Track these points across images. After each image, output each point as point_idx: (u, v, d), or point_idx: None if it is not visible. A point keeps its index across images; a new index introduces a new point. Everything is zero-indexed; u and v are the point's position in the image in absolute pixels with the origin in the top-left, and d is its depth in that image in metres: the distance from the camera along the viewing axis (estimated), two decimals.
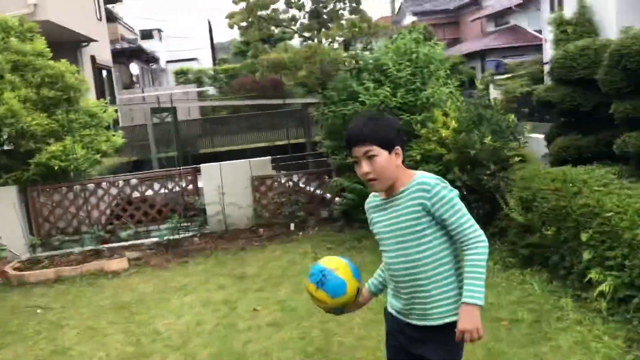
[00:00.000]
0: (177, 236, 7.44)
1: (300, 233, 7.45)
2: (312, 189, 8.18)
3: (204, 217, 7.74)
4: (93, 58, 17.37)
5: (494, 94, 11.95)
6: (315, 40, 6.84)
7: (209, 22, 36.32)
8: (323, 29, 7.17)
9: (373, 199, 2.30)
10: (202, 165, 7.89)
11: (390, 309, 2.35)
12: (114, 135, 8.26)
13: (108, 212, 7.83)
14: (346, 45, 7.36)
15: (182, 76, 26.96)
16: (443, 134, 6.21)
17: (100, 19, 18.57)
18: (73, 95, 8.05)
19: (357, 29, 6.78)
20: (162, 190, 7.84)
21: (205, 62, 33.91)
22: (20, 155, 7.48)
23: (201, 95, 24.89)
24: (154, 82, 30.43)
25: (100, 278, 6.51)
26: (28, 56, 7.59)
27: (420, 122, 6.51)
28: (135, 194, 7.82)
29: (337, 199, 7.75)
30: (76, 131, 7.71)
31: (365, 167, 2.11)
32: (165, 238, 7.34)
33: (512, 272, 5.27)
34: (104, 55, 18.94)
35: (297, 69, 6.97)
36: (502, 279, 5.15)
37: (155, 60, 29.85)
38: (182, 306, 5.32)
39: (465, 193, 6.41)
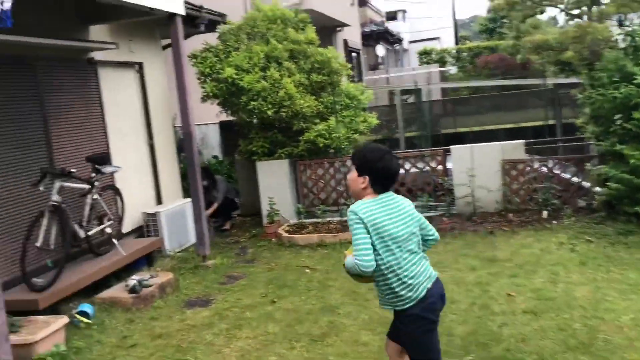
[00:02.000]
0: (426, 214, 7.73)
1: (554, 222, 7.12)
2: (568, 175, 7.72)
3: (452, 198, 7.88)
4: (345, 42, 18.59)
5: None
6: (585, 18, 6.35)
7: (453, 1, 35.86)
8: (594, 6, 6.59)
9: None
10: (452, 147, 8.01)
11: None
12: (370, 116, 8.85)
13: None
14: (620, 22, 6.69)
15: (425, 56, 27.26)
16: None
17: (352, 4, 19.72)
18: (336, 79, 8.82)
19: (637, 3, 6.07)
20: (412, 170, 8.17)
21: (446, 41, 33.73)
22: (292, 133, 8.49)
23: (444, 76, 24.87)
24: (396, 63, 31.34)
25: None
26: (302, 44, 8.52)
27: None
28: None
29: (597, 188, 7.19)
30: (339, 112, 8.46)
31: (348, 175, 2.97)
32: None
33: None
34: (355, 39, 20.12)
35: (563, 50, 6.57)
36: None
37: (399, 41, 30.66)
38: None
39: None
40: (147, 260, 6.81)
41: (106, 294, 5.70)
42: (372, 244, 2.68)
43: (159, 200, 8.02)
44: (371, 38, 25.20)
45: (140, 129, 7.83)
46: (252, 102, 8.01)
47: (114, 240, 6.39)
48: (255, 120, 8.61)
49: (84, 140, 6.66)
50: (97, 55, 6.92)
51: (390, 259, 2.72)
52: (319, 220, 8.15)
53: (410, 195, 8.18)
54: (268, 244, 7.71)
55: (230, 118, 9.20)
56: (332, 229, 7.72)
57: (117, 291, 5.72)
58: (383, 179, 2.78)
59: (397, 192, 8.06)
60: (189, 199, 7.69)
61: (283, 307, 5.34)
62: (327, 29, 16.55)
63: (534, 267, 5.67)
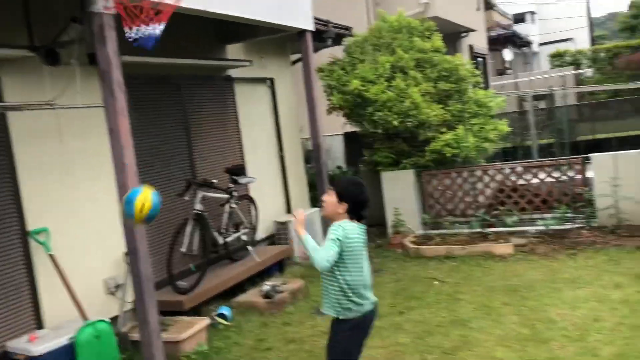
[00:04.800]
0: (563, 227, 7.30)
1: None
2: None
3: (592, 210, 7.35)
4: (471, 47, 18.09)
5: None
6: None
7: None
8: None
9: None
10: (592, 155, 7.48)
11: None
12: (500, 123, 8.52)
13: (492, 197, 8.17)
14: None
15: (558, 59, 25.74)
16: None
17: (478, 9, 19.16)
18: (463, 87, 8.62)
19: None
20: (548, 179, 7.74)
21: (580, 42, 31.61)
22: (418, 143, 8.42)
23: (578, 79, 23.31)
24: (525, 67, 29.92)
25: (487, 260, 6.88)
26: (428, 53, 8.45)
27: None
28: (520, 182, 7.93)
29: None
30: (467, 120, 8.25)
31: (324, 196, 3.30)
32: (551, 227, 7.28)
33: None
34: (481, 44, 19.50)
35: None
36: None
37: (528, 44, 29.28)
38: (576, 299, 5.23)
39: None
40: (278, 267, 7.10)
41: (242, 298, 6.01)
42: (340, 256, 3.10)
43: (288, 210, 8.32)
44: (498, 42, 24.31)
45: (271, 141, 8.19)
46: (378, 113, 8.06)
47: (249, 247, 6.74)
48: (380, 131, 8.65)
49: (222, 152, 7.11)
50: (233, 73, 7.38)
51: (354, 273, 3.14)
52: (446, 231, 7.98)
53: (545, 206, 7.75)
54: (393, 255, 7.68)
55: (355, 129, 9.33)
56: (460, 241, 7.53)
57: (252, 296, 6.02)
58: (360, 210, 3.22)
59: (530, 203, 7.76)
60: (316, 209, 7.91)
61: (412, 318, 5.29)
62: (452, 35, 16.23)
63: None
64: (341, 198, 3.19)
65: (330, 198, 3.23)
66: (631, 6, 21.96)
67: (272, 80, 8.24)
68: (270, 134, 8.20)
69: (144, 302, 4.20)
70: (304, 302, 6.05)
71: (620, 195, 7.07)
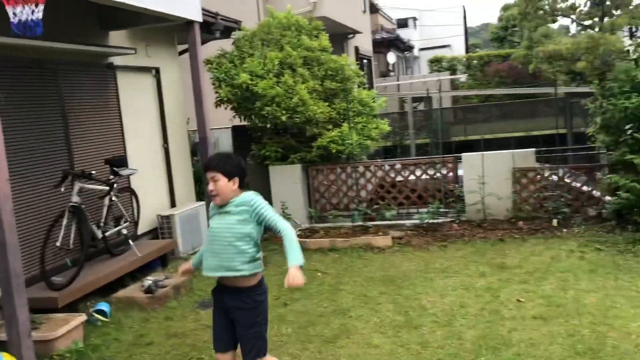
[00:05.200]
0: (436, 220, 7.83)
1: (564, 230, 7.19)
2: (578, 184, 7.78)
3: (462, 205, 7.95)
4: (357, 48, 18.70)
5: None
6: (597, 29, 6.41)
7: (464, 9, 35.96)
8: (606, 17, 6.69)
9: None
10: (463, 155, 8.09)
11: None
12: (381, 123, 8.95)
13: (373, 192, 8.55)
14: (631, 34, 6.78)
15: (436, 64, 27.37)
16: None
17: (365, 11, 19.84)
18: (349, 86, 8.93)
19: None
20: (423, 176, 8.26)
21: (457, 49, 33.79)
22: (305, 139, 8.61)
23: (454, 83, 24.93)
24: (407, 70, 31.44)
25: (367, 252, 7.21)
26: (315, 51, 8.65)
27: None
28: (399, 178, 8.39)
29: (607, 197, 7.25)
30: (351, 119, 8.56)
31: (210, 186, 3.27)
32: (425, 221, 7.78)
33: None
34: (366, 46, 20.22)
35: (575, 60, 6.65)
36: None
37: (409, 48, 30.78)
38: (445, 287, 5.65)
39: None
40: (161, 261, 6.94)
41: (122, 293, 5.82)
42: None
43: (172, 203, 8.14)
44: (382, 45, 25.33)
45: (155, 132, 7.97)
46: (266, 108, 8.13)
47: (130, 241, 6.52)
48: (268, 125, 8.72)
49: (102, 142, 6.80)
50: (116, 60, 7.08)
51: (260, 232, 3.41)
52: (331, 224, 8.24)
53: (420, 201, 8.26)
54: (280, 248, 7.75)
55: (243, 123, 9.33)
56: (343, 234, 7.82)
57: (133, 291, 5.84)
58: (245, 176, 3.40)
59: (407, 198, 8.24)
60: (201, 202, 7.84)
61: (295, 309, 5.42)
62: (339, 35, 16.67)
63: (544, 274, 5.74)
64: (230, 175, 3.29)
65: (220, 182, 3.28)
66: (500, 19, 23.93)
67: (157, 69, 8.01)
68: (155, 125, 7.97)
69: (12, 299, 3.94)
70: (187, 296, 5.98)
71: (486, 192, 7.71)
